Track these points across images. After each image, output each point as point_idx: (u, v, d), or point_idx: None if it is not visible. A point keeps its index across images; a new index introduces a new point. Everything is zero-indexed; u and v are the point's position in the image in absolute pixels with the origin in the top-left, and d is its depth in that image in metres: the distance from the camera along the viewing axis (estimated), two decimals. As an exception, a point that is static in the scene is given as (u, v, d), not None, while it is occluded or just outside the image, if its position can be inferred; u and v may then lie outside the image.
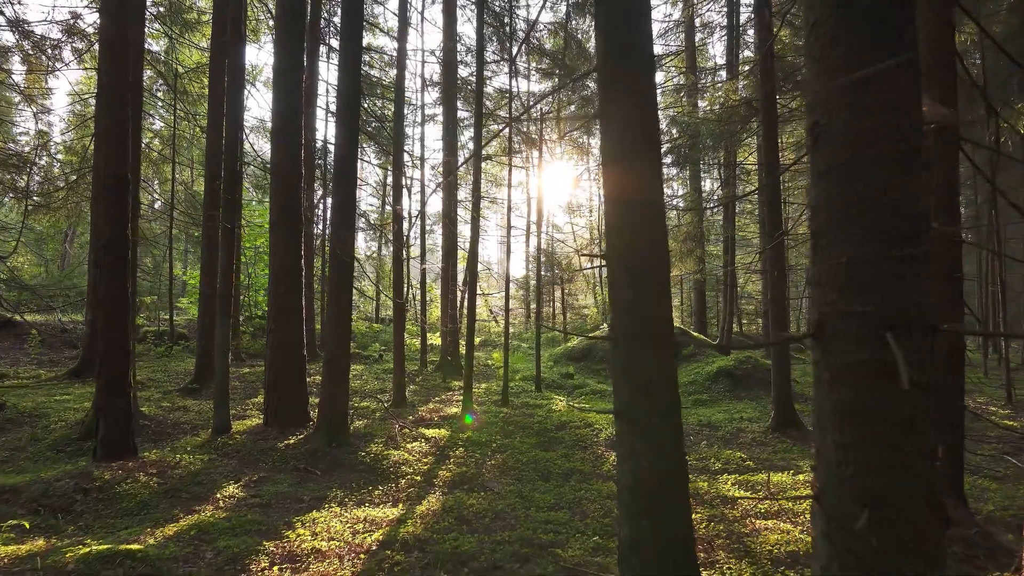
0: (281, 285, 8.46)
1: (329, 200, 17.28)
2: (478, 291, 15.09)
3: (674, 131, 14.45)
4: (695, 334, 16.54)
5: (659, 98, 24.04)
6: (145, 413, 9.25)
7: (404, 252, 10.92)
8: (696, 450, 8.62)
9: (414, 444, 8.07)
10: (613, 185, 3.53)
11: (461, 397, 11.89)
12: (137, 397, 9.04)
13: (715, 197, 17.31)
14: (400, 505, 5.98)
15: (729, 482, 7.09)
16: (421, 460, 7.45)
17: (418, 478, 6.81)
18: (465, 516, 5.60)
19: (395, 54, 15.63)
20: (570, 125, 18.26)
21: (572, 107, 23.11)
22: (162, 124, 22.09)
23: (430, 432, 8.74)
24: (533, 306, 24.69)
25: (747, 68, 14.36)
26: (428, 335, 16.24)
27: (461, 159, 17.68)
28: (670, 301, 3.64)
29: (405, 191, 20.60)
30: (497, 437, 8.67)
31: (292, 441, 7.82)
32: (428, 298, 21.14)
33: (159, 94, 19.90)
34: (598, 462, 7.76)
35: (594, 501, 6.19)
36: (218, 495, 6.09)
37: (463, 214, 20.87)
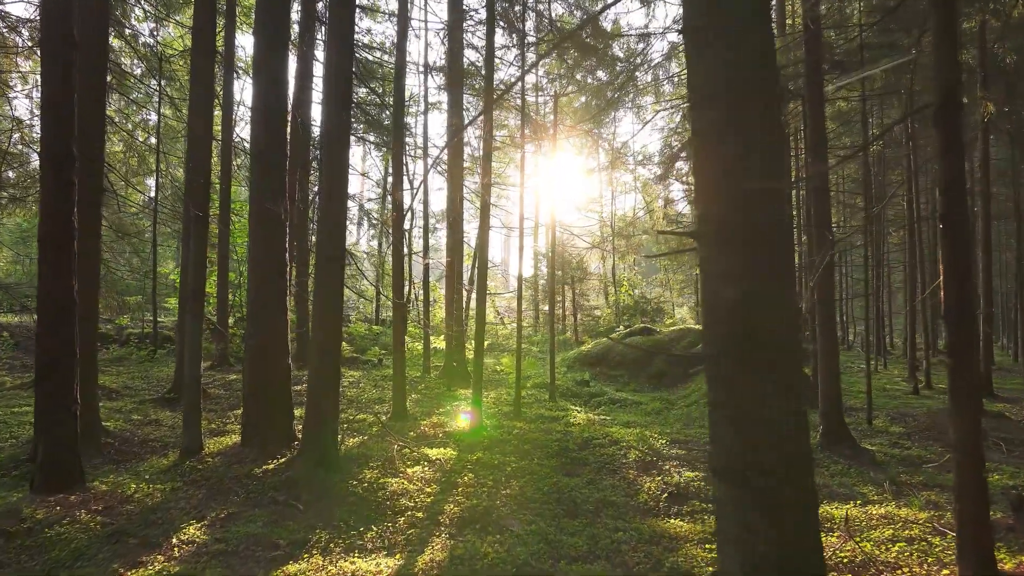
0: (261, 280, 7.33)
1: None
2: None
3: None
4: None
5: (668, 88, 22.87)
6: (109, 429, 8.12)
7: (405, 246, 9.77)
8: (740, 473, 7.47)
9: (416, 468, 6.93)
10: (712, 129, 2.38)
11: (468, 408, 10.75)
12: (99, 409, 7.92)
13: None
14: (398, 554, 4.84)
15: (791, 517, 5.93)
16: (424, 490, 6.30)
17: (420, 514, 5.67)
18: (479, 571, 4.46)
19: (395, 38, 14.51)
20: (584, 113, 17.13)
21: (583, 97, 22.00)
22: (156, 118, 20.96)
23: (434, 452, 7.60)
24: (543, 307, 23.55)
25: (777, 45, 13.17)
26: (431, 338, 15.13)
27: (467, 153, 16.57)
28: (795, 299, 2.50)
29: (407, 181, 19.44)
30: (512, 458, 7.53)
31: (272, 466, 6.69)
32: (431, 298, 20.02)
33: (151, 83, 18.80)
34: (631, 490, 6.61)
35: (635, 547, 5.05)
36: (174, 540, 4.95)
37: (470, 201, 19.72)
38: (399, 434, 8.88)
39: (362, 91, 17.10)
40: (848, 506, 6.28)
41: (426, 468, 6.98)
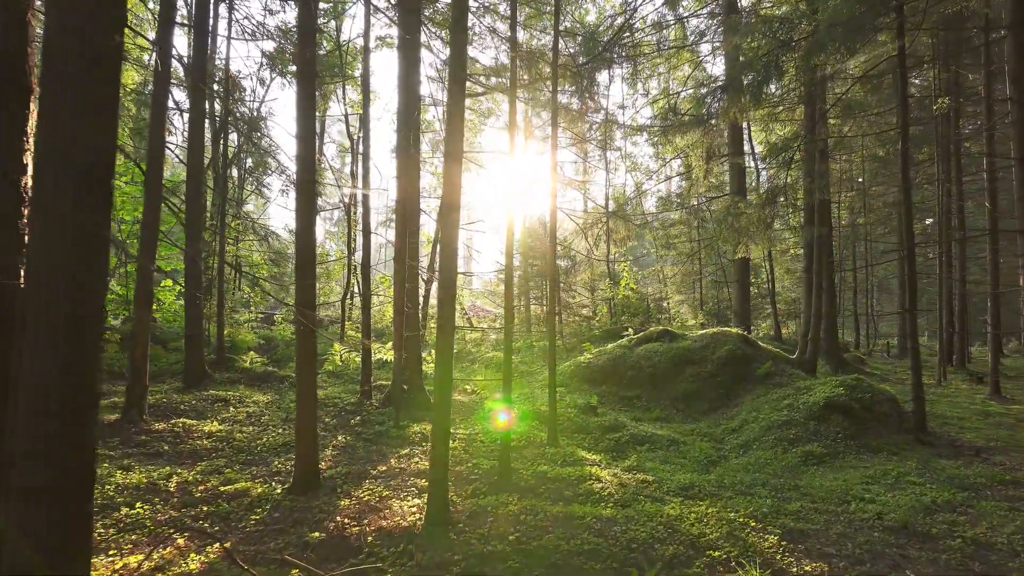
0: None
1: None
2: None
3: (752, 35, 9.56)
4: (766, 346, 11.69)
5: (685, 39, 19.20)
6: None
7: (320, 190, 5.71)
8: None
9: None
10: None
11: (420, 463, 6.77)
12: None
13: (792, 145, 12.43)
14: None
15: None
16: None
17: None
18: None
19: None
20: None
21: (571, 46, 18.17)
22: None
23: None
24: (519, 303, 19.62)
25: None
26: (375, 347, 11.01)
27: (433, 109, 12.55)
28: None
29: (348, 126, 15.03)
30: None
31: None
32: (371, 291, 15.83)
33: None
34: None
35: None
36: None
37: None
38: (296, 527, 4.84)
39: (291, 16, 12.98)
40: None
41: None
